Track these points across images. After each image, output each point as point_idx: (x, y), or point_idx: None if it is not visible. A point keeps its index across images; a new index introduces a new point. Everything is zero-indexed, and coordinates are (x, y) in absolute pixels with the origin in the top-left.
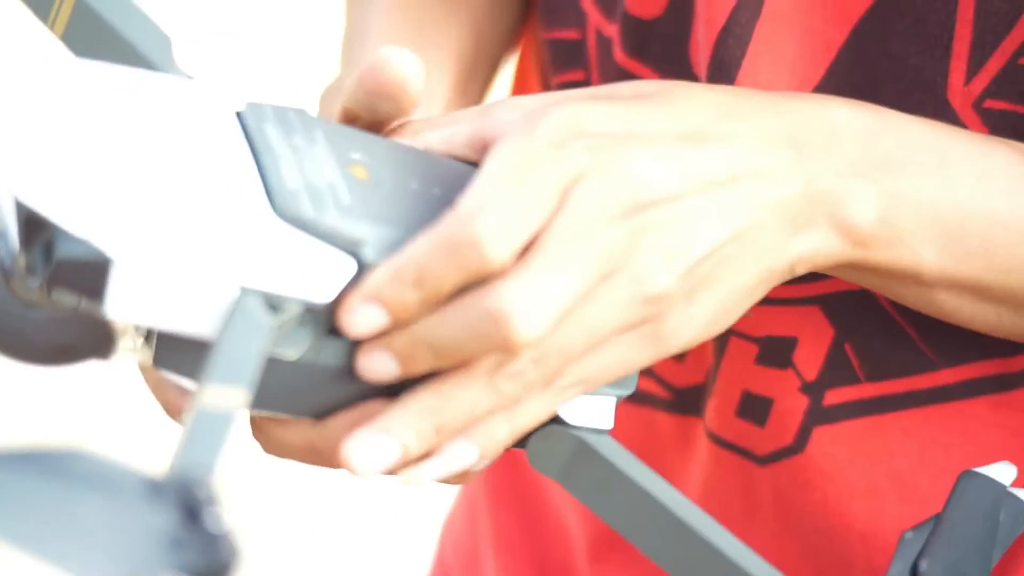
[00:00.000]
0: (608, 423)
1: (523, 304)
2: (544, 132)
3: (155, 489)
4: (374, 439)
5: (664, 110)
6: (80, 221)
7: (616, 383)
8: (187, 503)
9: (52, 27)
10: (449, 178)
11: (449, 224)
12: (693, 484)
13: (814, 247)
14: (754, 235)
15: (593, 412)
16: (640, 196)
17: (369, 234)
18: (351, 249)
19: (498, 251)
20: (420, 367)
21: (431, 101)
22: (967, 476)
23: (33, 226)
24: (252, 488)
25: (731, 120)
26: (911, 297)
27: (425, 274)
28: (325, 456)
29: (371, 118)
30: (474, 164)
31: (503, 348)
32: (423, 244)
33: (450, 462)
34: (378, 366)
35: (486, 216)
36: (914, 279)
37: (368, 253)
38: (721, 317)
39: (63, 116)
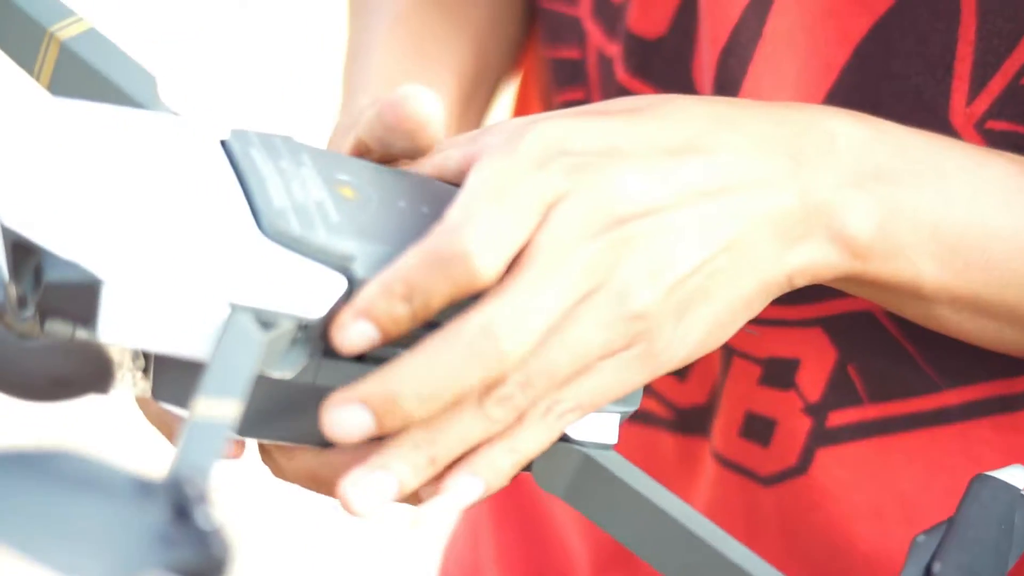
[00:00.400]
0: (612, 439)
1: (507, 321)
2: (525, 150)
3: (146, 488)
4: (369, 477)
5: (654, 124)
6: (68, 243)
7: (620, 400)
8: (178, 501)
9: (38, 78)
10: (437, 197)
11: (436, 237)
12: (696, 504)
13: (811, 259)
14: (746, 247)
15: (597, 428)
16: (622, 212)
17: (358, 250)
18: (341, 265)
19: (486, 263)
20: (398, 420)
21: None
22: (980, 480)
23: (21, 252)
24: (256, 506)
25: (723, 131)
26: (912, 311)
27: (414, 288)
28: (328, 486)
29: (383, 152)
30: None
31: (492, 368)
32: (411, 258)
33: (457, 499)
34: (349, 422)
35: (473, 228)
36: (914, 293)
37: (358, 269)
38: (717, 332)
39: (47, 144)
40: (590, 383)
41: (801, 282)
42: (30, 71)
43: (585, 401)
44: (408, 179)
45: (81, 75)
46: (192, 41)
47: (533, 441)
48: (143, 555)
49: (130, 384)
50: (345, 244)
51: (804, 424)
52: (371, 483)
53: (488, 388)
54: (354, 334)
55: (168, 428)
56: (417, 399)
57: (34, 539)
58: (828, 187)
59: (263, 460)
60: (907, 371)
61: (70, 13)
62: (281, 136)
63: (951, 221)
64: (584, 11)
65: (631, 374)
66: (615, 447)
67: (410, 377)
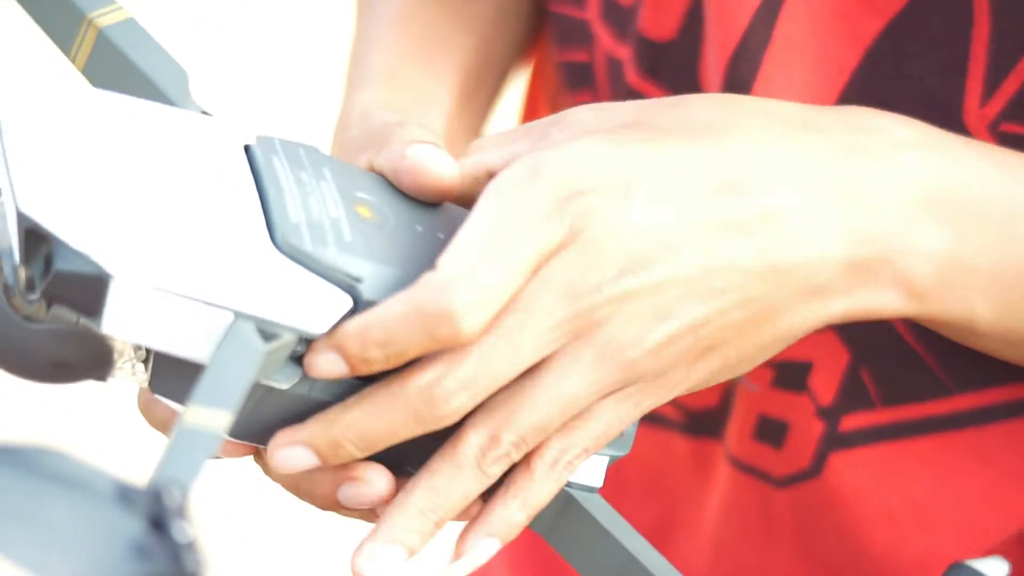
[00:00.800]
0: (598, 482)
1: (452, 384)
2: (542, 189)
3: (126, 495)
4: (381, 552)
5: (688, 150)
6: (80, 234)
7: (611, 444)
8: (155, 511)
9: (74, 60)
10: (455, 223)
11: (425, 291)
12: (710, 506)
13: (857, 305)
14: (765, 302)
15: (585, 471)
16: (621, 265)
17: (367, 271)
18: (348, 285)
19: (471, 324)
20: (340, 460)
21: (432, 113)
22: (957, 569)
23: (34, 238)
24: (256, 506)
25: (769, 162)
26: (960, 339)
27: (392, 338)
28: (309, 496)
29: None
30: None
31: (431, 426)
32: (396, 308)
33: (477, 560)
34: (294, 460)
35: (463, 287)
36: (968, 329)
37: (365, 290)
38: (724, 372)
39: (70, 134)
40: (590, 428)
41: (841, 323)
42: (67, 53)
43: (590, 445)
44: (428, 203)
45: (115, 63)
46: (192, 41)
47: (545, 493)
48: (115, 563)
49: (129, 373)
50: (355, 264)
51: (817, 427)
52: (383, 556)
53: (484, 451)
54: (323, 362)
55: (165, 428)
56: (357, 446)
57: (5, 535)
58: (894, 232)
59: (255, 459)
60: (920, 375)
61: (110, 1)
62: (305, 146)
63: (1012, 258)
64: (593, 14)
65: (631, 409)
66: (621, 458)
67: (351, 427)
